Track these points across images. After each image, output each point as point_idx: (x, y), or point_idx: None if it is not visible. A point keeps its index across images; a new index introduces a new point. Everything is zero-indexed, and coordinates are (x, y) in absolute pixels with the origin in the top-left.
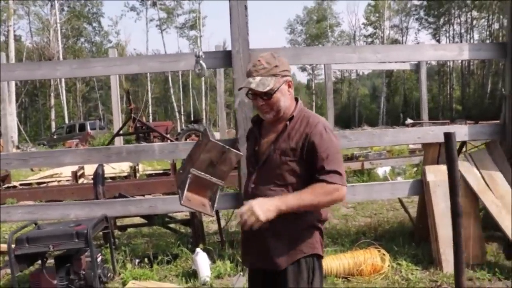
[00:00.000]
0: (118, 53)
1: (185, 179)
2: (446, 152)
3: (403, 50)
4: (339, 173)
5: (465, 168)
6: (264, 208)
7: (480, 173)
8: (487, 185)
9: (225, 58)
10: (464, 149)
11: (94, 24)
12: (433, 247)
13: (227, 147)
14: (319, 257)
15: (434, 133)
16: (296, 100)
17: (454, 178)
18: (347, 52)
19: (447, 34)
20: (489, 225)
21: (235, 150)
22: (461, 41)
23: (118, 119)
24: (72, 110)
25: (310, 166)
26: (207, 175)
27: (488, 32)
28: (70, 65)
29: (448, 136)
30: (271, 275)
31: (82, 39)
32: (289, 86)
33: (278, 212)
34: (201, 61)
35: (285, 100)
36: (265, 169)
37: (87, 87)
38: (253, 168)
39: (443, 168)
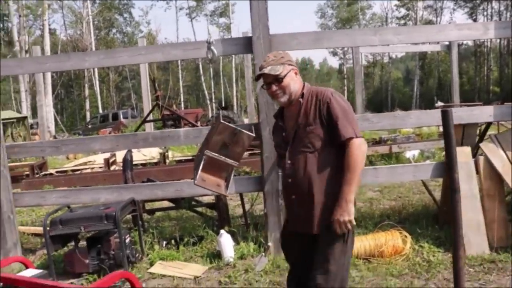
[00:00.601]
0: (149, 42)
1: (200, 160)
2: (443, 129)
3: (426, 31)
4: (352, 128)
5: (490, 149)
6: (350, 212)
7: (506, 154)
8: None
9: (246, 44)
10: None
11: (125, 15)
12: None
13: (239, 128)
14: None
15: (457, 115)
16: (304, 85)
17: (451, 154)
18: (368, 35)
19: (485, 13)
20: None
21: (246, 131)
22: (499, 19)
23: (148, 108)
24: (105, 100)
25: (329, 128)
26: (221, 156)
27: None
28: (98, 55)
29: (444, 113)
30: (311, 237)
31: (114, 30)
32: (296, 74)
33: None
34: (212, 47)
35: (294, 84)
36: (296, 144)
37: (119, 77)
38: (285, 149)
39: (467, 149)
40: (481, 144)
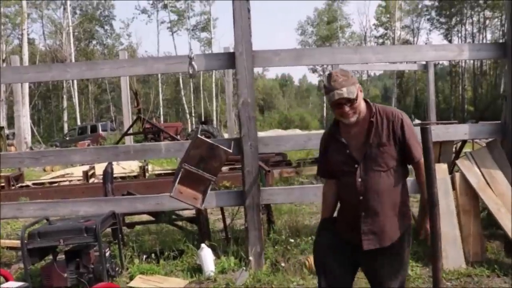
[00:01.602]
0: (129, 55)
1: (178, 173)
2: (423, 144)
3: (404, 50)
4: (421, 148)
5: (466, 166)
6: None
7: (481, 171)
8: (487, 183)
9: (229, 59)
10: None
11: (106, 27)
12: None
13: (216, 143)
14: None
15: (434, 132)
16: (366, 101)
17: (430, 169)
18: (348, 53)
19: (459, 34)
20: (492, 223)
21: (223, 147)
22: (473, 41)
23: (128, 120)
24: (84, 112)
25: (401, 148)
26: (199, 170)
27: (501, 32)
28: (80, 67)
29: (423, 130)
30: (378, 250)
31: (94, 42)
32: (361, 91)
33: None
34: (193, 63)
35: (362, 103)
36: (368, 163)
37: (99, 89)
38: (353, 167)
39: (444, 166)
40: (457, 161)
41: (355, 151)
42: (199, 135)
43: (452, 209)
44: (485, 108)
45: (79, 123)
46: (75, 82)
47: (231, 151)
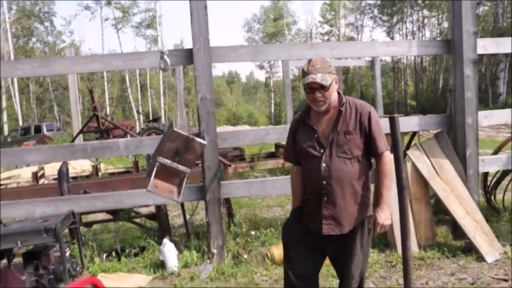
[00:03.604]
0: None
1: (153, 167)
2: (391, 133)
3: (357, 47)
4: (385, 142)
5: (416, 156)
6: (388, 217)
7: (430, 161)
8: (436, 172)
9: (187, 56)
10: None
11: (46, 24)
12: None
13: (191, 136)
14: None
15: (387, 124)
16: (338, 92)
17: (398, 156)
18: (303, 49)
19: (400, 32)
20: (440, 209)
21: (198, 139)
22: (413, 39)
23: (77, 120)
24: (26, 112)
25: (366, 139)
26: (174, 163)
27: (438, 30)
28: (32, 63)
29: (392, 119)
30: (339, 237)
31: (34, 39)
32: (336, 83)
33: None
34: (165, 57)
35: (334, 93)
36: (334, 149)
37: (40, 88)
38: (319, 151)
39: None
40: (408, 152)
41: (323, 137)
42: (174, 129)
43: None
44: (426, 102)
45: (21, 123)
46: (15, 80)
47: (206, 143)
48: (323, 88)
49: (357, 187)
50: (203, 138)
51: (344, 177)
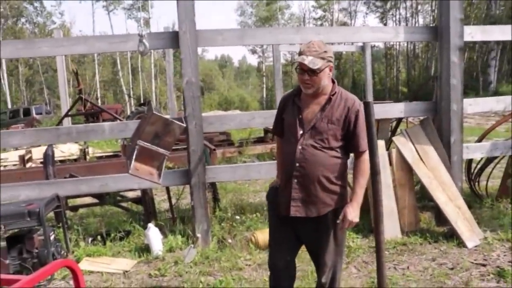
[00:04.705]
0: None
1: (133, 150)
2: (366, 118)
3: (343, 32)
4: (366, 142)
5: (401, 143)
6: (357, 214)
7: (415, 147)
8: (421, 158)
9: (173, 39)
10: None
11: (35, 4)
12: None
13: (170, 119)
14: None
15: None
16: (333, 81)
17: (372, 141)
18: (290, 33)
19: (394, 18)
20: (424, 196)
21: (177, 122)
22: (406, 25)
23: (65, 102)
24: (15, 95)
25: (348, 135)
26: (153, 146)
27: (431, 17)
28: (15, 45)
29: (366, 104)
30: (308, 222)
31: (23, 20)
32: (330, 70)
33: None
34: (144, 40)
35: (325, 80)
36: (313, 134)
37: (30, 70)
38: (298, 132)
39: (381, 143)
40: (393, 138)
41: (306, 119)
42: (154, 112)
43: (389, 183)
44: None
45: (10, 106)
46: (3, 62)
47: (184, 125)
48: (312, 71)
49: (330, 175)
50: (181, 122)
51: (317, 163)
